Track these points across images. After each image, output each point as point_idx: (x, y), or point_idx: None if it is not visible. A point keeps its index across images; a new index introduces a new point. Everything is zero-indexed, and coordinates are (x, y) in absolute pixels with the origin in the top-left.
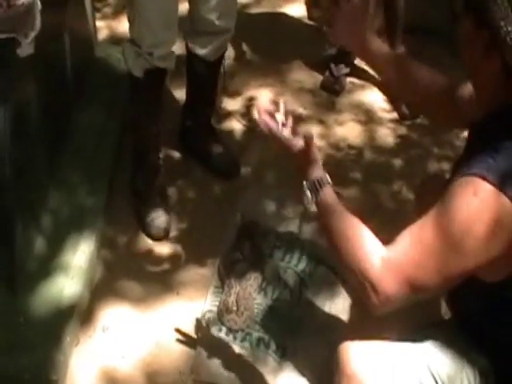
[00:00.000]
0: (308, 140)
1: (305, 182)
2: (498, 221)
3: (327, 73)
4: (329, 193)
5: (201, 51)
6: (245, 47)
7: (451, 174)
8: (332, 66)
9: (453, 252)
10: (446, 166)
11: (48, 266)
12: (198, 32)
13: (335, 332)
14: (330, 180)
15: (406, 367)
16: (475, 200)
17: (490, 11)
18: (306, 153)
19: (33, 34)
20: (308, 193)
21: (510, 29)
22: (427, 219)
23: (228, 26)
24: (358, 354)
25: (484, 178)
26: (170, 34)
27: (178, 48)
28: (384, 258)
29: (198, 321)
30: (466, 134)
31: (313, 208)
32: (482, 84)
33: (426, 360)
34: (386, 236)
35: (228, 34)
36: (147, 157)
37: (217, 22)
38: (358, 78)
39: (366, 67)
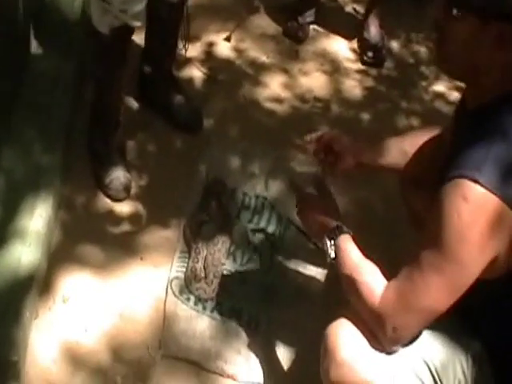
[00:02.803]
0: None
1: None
2: (492, 224)
3: (291, 19)
4: (345, 239)
5: None
6: None
7: (441, 170)
8: (297, 12)
9: (453, 265)
10: (414, 121)
11: (3, 232)
12: None
13: (308, 299)
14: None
15: (399, 356)
16: (466, 206)
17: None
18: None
19: None
20: (327, 241)
21: None
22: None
23: None
24: (348, 340)
25: (475, 181)
26: None
27: None
28: (388, 286)
29: (165, 289)
30: (434, 87)
31: (332, 255)
32: (479, 77)
33: (419, 348)
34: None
35: None
36: (107, 115)
37: None
38: (323, 26)
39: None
